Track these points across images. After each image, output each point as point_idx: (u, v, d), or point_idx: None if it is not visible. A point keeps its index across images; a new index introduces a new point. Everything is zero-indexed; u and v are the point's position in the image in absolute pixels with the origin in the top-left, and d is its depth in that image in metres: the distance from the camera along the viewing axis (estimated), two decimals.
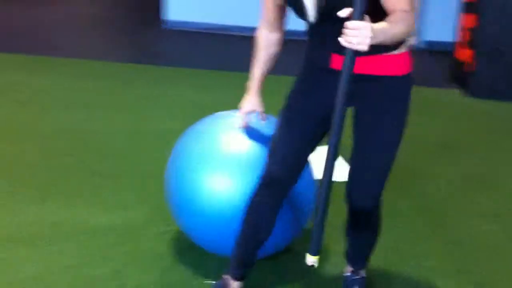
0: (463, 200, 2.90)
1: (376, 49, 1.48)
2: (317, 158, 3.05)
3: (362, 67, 1.62)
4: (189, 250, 2.16)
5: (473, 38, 4.80)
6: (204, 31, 6.57)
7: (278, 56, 1.89)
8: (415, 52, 6.43)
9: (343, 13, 1.40)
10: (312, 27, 1.70)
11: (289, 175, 1.77)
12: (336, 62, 1.64)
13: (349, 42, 1.37)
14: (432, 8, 6.66)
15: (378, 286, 2.11)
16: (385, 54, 1.66)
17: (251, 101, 1.92)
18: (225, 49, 6.06)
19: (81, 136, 3.28)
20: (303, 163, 1.82)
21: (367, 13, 1.42)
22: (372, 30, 1.39)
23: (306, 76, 1.80)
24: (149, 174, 2.79)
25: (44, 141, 3.19)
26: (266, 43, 1.86)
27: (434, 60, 6.27)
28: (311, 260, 1.59)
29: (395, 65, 1.70)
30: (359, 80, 1.59)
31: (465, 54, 4.92)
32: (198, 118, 2.14)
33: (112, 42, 6.01)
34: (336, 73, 1.52)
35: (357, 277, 1.98)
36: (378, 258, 2.13)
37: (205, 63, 5.21)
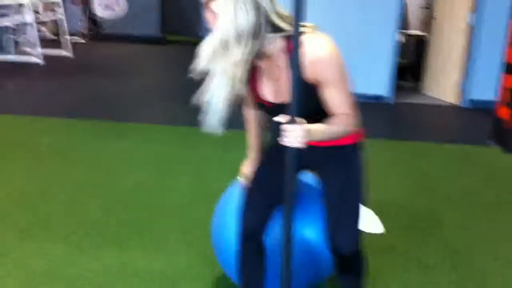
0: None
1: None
2: None
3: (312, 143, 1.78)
4: None
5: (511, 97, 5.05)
6: None
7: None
8: (459, 110, 6.74)
9: (279, 118, 1.68)
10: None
11: (262, 227, 2.07)
12: None
13: (287, 141, 1.65)
14: (476, 68, 6.91)
15: None
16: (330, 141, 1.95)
17: (252, 166, 2.25)
18: None
19: (155, 194, 3.75)
20: (271, 215, 2.09)
21: (311, 113, 1.75)
22: (309, 131, 1.66)
23: (269, 149, 2.16)
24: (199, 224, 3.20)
25: (122, 197, 3.68)
26: (253, 117, 2.21)
27: (477, 119, 6.50)
28: None
29: (342, 140, 1.98)
30: (309, 149, 1.77)
31: (504, 113, 5.16)
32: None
33: (179, 108, 6.56)
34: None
35: None
36: None
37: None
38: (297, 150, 1.67)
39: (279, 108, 1.80)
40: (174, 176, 4.13)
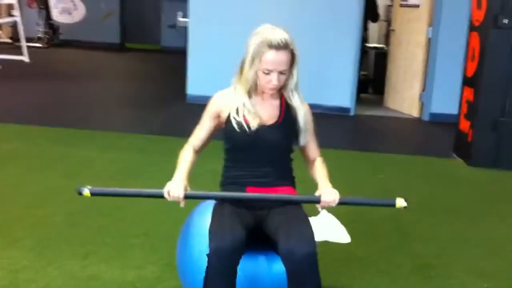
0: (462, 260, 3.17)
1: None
2: (317, 222, 3.36)
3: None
4: None
5: (471, 110, 5.17)
6: None
7: None
8: (420, 123, 6.86)
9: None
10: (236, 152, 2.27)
11: (237, 246, 1.95)
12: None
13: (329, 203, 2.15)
14: (436, 81, 7.04)
15: None
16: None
17: (180, 186, 2.11)
18: None
19: (117, 203, 3.64)
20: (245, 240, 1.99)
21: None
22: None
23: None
24: (164, 235, 3.14)
25: (86, 204, 3.57)
26: (189, 156, 2.27)
27: (438, 131, 6.63)
28: None
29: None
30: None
31: (465, 126, 5.27)
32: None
33: (142, 117, 6.48)
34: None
35: None
36: None
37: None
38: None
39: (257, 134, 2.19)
40: (137, 184, 4.04)
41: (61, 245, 2.99)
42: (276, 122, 2.25)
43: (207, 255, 1.93)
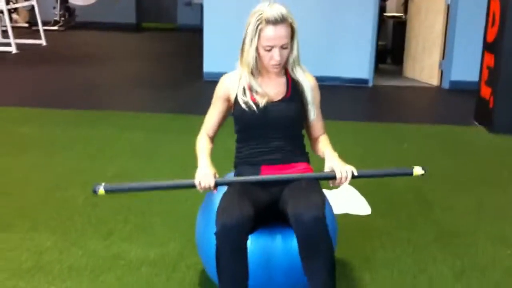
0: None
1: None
2: (335, 195, 3.37)
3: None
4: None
5: (492, 76, 5.08)
6: None
7: None
8: (440, 91, 6.77)
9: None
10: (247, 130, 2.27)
11: (246, 221, 1.94)
12: (265, 172, 2.22)
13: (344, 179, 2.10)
14: (456, 48, 6.93)
15: None
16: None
17: (210, 175, 2.10)
18: None
19: (138, 181, 3.68)
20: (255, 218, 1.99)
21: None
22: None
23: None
24: (185, 212, 3.16)
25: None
26: (206, 143, 2.31)
27: (458, 99, 6.54)
28: None
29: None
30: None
31: (486, 92, 5.19)
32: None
33: (160, 96, 6.49)
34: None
35: None
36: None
37: None
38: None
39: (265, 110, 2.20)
40: (156, 162, 4.08)
41: (84, 226, 3.02)
42: (284, 97, 2.25)
43: (214, 233, 1.94)
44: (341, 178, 2.09)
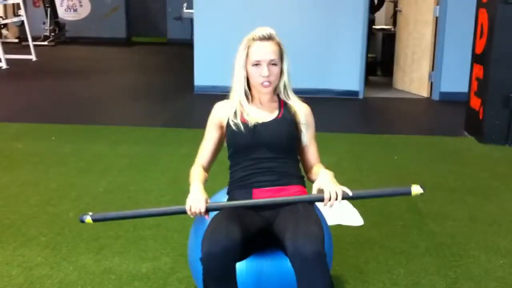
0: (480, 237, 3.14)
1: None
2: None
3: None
4: None
5: (481, 87, 5.11)
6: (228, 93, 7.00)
7: None
8: (430, 103, 6.80)
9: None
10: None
11: (233, 247, 1.86)
12: (257, 195, 2.16)
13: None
14: (445, 60, 6.97)
15: None
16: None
17: (201, 200, 2.03)
18: None
19: (129, 195, 3.68)
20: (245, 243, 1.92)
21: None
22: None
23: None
24: (176, 226, 3.14)
25: (98, 199, 3.59)
26: (200, 171, 2.23)
27: (448, 110, 6.58)
28: None
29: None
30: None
31: (476, 103, 5.22)
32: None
33: (151, 109, 6.48)
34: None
35: None
36: None
37: None
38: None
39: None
40: (148, 175, 4.06)
41: (75, 241, 3.00)
42: (276, 118, 2.24)
43: (200, 259, 1.87)
44: (329, 199, 1.99)
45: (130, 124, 5.65)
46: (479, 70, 5.16)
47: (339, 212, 3.34)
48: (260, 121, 2.21)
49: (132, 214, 2.42)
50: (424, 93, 7.28)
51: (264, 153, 2.19)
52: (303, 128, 2.25)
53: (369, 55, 8.10)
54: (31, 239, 3.00)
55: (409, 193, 2.04)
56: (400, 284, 2.60)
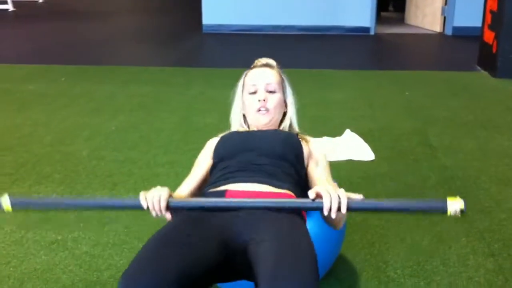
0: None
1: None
2: (340, 141, 3.37)
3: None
4: None
5: (495, 20, 5.00)
6: (237, 32, 6.96)
7: None
8: (443, 38, 6.74)
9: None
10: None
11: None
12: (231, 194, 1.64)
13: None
14: None
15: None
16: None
17: (160, 189, 1.53)
18: (256, 48, 6.39)
19: (141, 134, 3.70)
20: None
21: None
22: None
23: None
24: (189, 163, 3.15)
25: (110, 138, 3.62)
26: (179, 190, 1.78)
27: (461, 45, 6.48)
28: None
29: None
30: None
31: (489, 37, 5.13)
32: None
33: (160, 50, 6.45)
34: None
35: None
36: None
37: (239, 62, 5.56)
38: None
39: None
40: (160, 115, 4.07)
41: (89, 178, 3.04)
42: (275, 129, 1.93)
43: None
44: (329, 208, 1.44)
45: (139, 65, 5.62)
46: (493, 3, 5.04)
47: (350, 147, 3.34)
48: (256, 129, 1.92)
49: (66, 203, 1.74)
50: (437, 28, 7.16)
51: (252, 156, 1.75)
52: (311, 163, 1.84)
53: None
54: (45, 177, 3.04)
55: (445, 211, 1.55)
56: (410, 217, 2.62)
